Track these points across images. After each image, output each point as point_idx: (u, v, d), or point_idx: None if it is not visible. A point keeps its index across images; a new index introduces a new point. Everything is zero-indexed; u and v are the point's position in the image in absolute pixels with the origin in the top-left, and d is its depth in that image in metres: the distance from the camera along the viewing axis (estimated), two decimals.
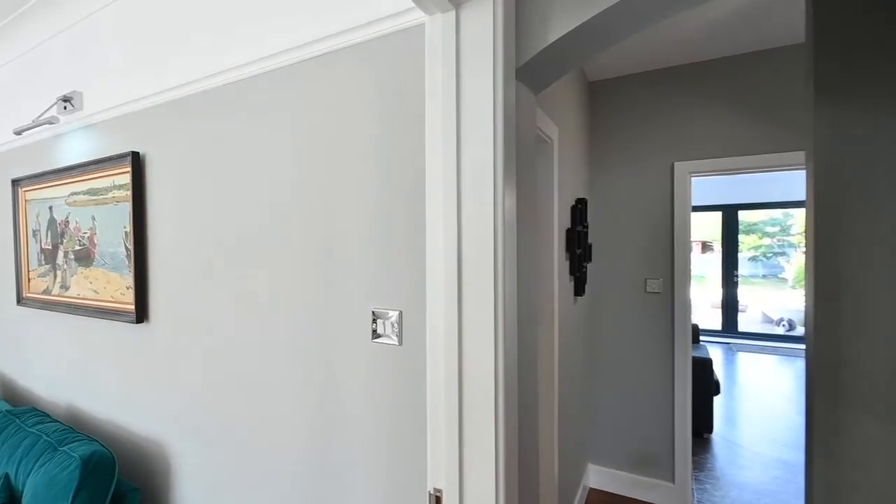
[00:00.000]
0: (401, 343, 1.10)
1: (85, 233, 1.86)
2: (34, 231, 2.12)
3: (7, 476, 1.57)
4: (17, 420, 1.76)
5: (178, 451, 1.60)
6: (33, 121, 1.81)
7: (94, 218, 1.82)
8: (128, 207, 1.67)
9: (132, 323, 1.65)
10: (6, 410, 1.82)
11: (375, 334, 1.14)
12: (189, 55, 1.47)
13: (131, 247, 1.66)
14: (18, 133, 1.86)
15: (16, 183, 2.17)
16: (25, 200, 2.15)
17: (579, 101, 2.69)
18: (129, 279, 1.68)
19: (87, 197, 1.84)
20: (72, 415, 1.99)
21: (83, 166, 1.80)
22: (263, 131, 1.33)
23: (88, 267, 1.86)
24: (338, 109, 1.18)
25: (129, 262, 1.67)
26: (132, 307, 1.66)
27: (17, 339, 2.32)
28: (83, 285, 1.89)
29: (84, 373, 1.95)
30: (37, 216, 2.09)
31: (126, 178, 1.67)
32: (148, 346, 1.67)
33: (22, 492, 1.52)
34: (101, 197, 1.78)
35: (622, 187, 2.91)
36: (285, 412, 1.31)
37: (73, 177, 1.87)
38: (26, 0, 1.82)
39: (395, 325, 1.10)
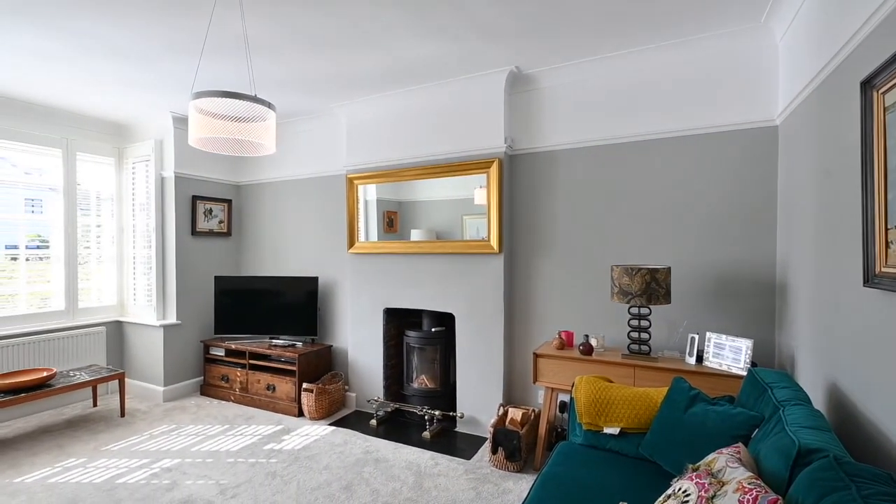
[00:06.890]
0: None
1: None
2: None
3: None
4: (853, 488, 0.93)
5: None
6: None
7: None
8: None
9: None
10: (833, 459, 1.04)
11: None
12: None
13: None
14: None
15: (867, 84, 1.33)
16: (884, 108, 1.27)
17: None
18: None
19: None
20: None
21: None
22: None
23: None
24: None
25: None
26: None
27: (860, 339, 1.48)
28: None
29: None
30: None
31: None
32: None
33: None
34: None
35: None
36: None
37: None
38: None
39: None
